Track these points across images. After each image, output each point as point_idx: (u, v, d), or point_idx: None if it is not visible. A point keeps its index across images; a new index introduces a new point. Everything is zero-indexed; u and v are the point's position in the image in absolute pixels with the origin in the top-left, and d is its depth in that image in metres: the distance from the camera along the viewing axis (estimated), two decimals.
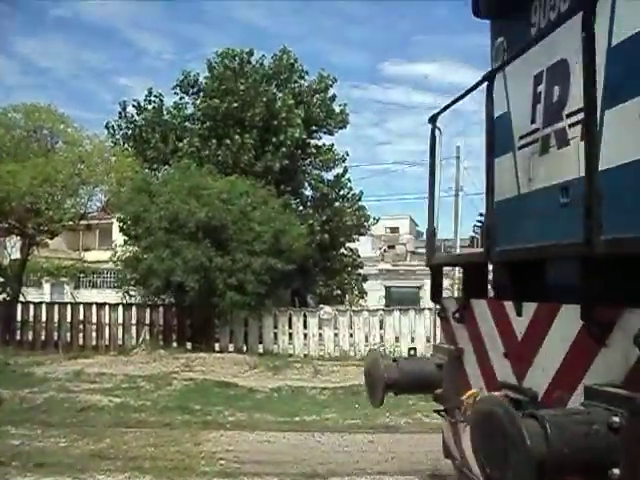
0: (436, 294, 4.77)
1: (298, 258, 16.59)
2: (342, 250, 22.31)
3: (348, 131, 26.36)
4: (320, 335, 17.36)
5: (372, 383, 4.36)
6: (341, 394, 10.73)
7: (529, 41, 3.67)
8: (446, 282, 5.50)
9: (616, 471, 2.44)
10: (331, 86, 21.81)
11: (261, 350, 17.01)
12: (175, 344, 16.84)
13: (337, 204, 21.66)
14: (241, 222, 15.82)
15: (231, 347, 17.22)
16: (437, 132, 4.61)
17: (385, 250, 43.76)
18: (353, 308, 19.62)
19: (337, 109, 21.94)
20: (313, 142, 22.03)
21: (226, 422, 8.51)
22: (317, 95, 21.45)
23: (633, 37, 2.97)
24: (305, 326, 17.27)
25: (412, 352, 4.72)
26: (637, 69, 2.95)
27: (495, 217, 3.84)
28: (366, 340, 17.03)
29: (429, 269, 4.83)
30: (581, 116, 3.38)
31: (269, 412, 9.01)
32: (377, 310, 18.79)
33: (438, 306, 4.78)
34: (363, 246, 25.34)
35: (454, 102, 4.40)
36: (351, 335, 17.24)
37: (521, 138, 4.02)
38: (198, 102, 21.51)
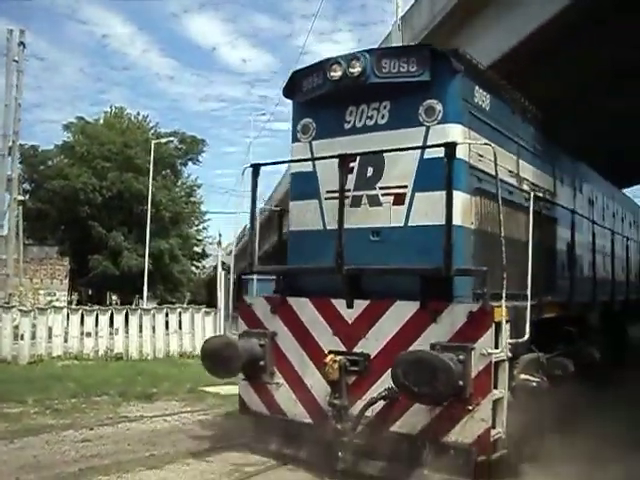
0: (240, 294, 6.65)
1: None
2: None
3: None
4: None
5: (228, 359, 6.00)
6: None
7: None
8: None
9: (461, 383, 5.26)
10: None
11: None
12: None
13: None
14: None
15: None
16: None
17: None
18: None
19: None
20: None
21: None
22: None
23: (433, 159, 5.84)
24: None
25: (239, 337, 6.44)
26: (433, 179, 5.81)
27: (326, 245, 6.16)
28: None
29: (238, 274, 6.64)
30: (393, 190, 6.14)
31: None
32: None
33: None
34: None
35: (280, 162, 6.52)
36: None
37: (328, 192, 6.39)
38: None
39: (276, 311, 6.41)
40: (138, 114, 41.01)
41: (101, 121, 38.91)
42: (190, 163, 42.21)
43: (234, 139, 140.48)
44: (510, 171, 6.75)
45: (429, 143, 5.87)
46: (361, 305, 5.95)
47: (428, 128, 5.95)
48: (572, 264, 8.08)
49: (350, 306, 6.00)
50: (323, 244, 6.30)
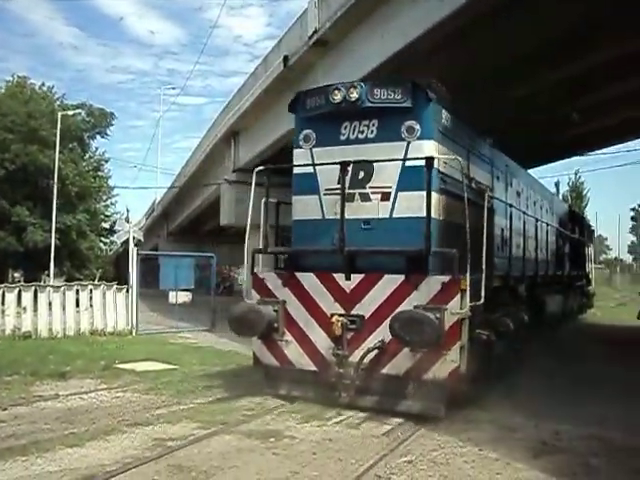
0: (253, 268, 8.84)
1: None
2: None
3: None
4: None
5: (255, 321, 8.20)
6: None
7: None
8: None
9: (427, 327, 7.69)
10: None
11: None
12: None
13: None
14: None
15: None
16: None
17: None
18: None
19: None
20: None
21: None
22: None
23: (412, 166, 8.25)
24: None
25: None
26: (412, 182, 8.23)
27: (325, 231, 8.45)
28: None
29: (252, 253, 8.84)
30: (380, 189, 8.48)
31: None
32: None
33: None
34: None
35: (281, 166, 8.72)
36: None
37: (327, 190, 8.66)
38: None
39: (286, 284, 8.63)
40: (43, 84, 41.03)
41: (2, 90, 38.71)
42: (98, 136, 42.68)
43: (141, 112, 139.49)
44: (463, 173, 9.21)
45: (409, 155, 8.20)
46: (357, 278, 8.26)
47: (408, 143, 8.28)
48: (508, 246, 10.81)
49: (348, 279, 8.29)
50: (322, 230, 8.60)
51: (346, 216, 8.29)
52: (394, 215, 8.34)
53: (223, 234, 41.10)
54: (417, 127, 8.27)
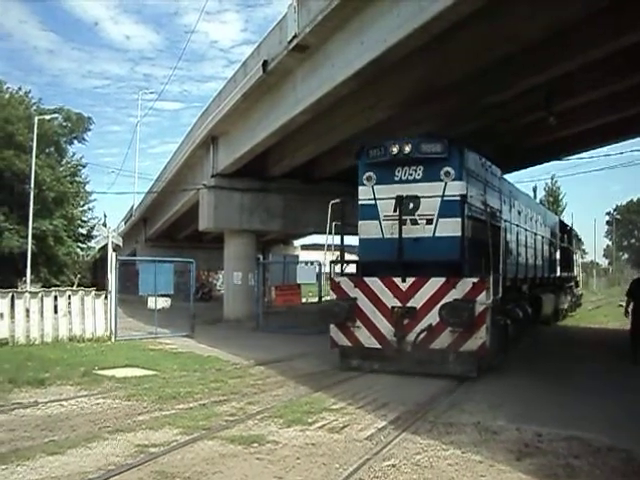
0: (331, 275, 13.48)
1: None
2: None
3: None
4: None
5: (339, 312, 12.81)
6: None
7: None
8: None
9: (465, 313, 12.38)
10: None
11: None
12: None
13: None
14: None
15: None
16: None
17: None
18: None
19: None
20: None
21: None
22: None
23: (449, 200, 12.91)
24: None
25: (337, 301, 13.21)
26: (448, 211, 12.89)
27: (384, 246, 13.13)
28: None
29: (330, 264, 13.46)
30: (425, 216, 13.19)
31: None
32: None
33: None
34: None
35: (353, 199, 13.37)
36: None
37: (385, 216, 13.28)
38: None
39: (357, 286, 13.19)
40: (20, 89, 43.92)
41: None
42: (75, 141, 46.24)
43: (118, 118, 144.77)
44: (482, 201, 13.92)
45: (447, 192, 12.75)
46: (410, 280, 12.78)
47: (446, 183, 12.87)
48: (514, 255, 15.62)
49: (404, 281, 12.83)
50: (382, 246, 13.20)
51: (395, 235, 12.84)
52: (436, 235, 12.89)
53: (201, 239, 44.89)
54: (452, 172, 12.85)
